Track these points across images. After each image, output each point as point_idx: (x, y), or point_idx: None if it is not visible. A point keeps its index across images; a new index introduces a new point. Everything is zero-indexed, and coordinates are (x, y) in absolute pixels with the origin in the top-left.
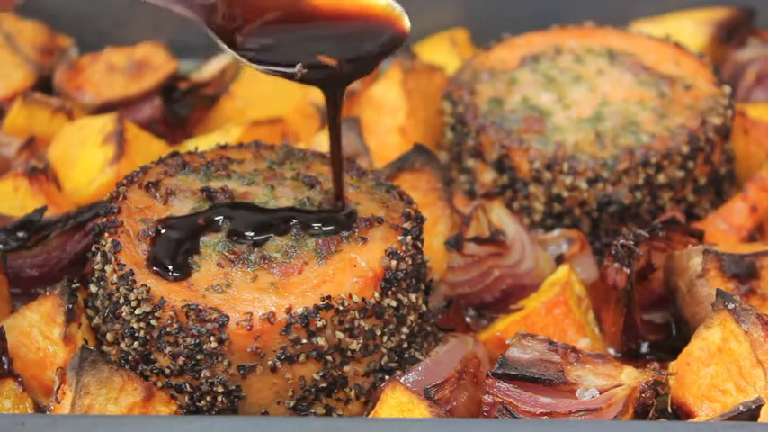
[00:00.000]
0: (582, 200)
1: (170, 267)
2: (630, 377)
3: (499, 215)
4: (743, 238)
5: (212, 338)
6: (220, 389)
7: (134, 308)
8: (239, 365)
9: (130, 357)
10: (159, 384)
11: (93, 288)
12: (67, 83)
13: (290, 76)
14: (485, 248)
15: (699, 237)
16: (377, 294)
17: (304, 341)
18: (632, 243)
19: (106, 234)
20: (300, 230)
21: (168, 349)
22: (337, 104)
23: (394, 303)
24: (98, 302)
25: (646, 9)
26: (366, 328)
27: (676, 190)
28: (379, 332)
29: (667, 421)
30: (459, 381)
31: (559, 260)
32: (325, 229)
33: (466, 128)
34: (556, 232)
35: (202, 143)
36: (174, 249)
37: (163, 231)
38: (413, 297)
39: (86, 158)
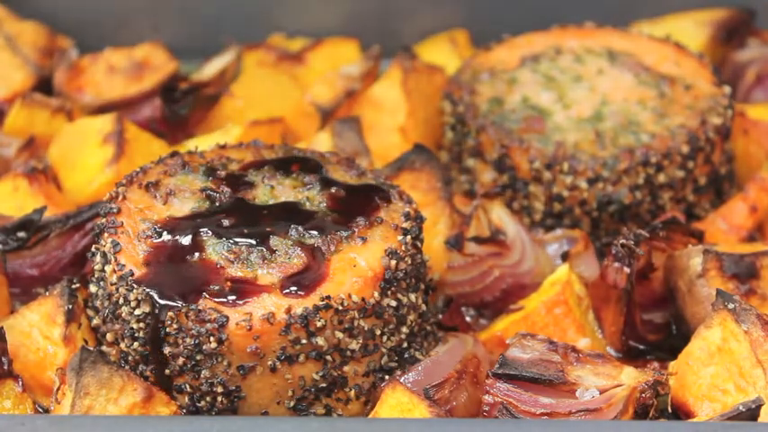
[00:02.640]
0: (582, 199)
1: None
2: (630, 377)
3: (499, 215)
4: (743, 238)
5: (212, 339)
6: (220, 389)
7: (134, 308)
8: (239, 366)
9: (130, 358)
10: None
11: (92, 288)
12: (68, 84)
13: None
14: (485, 248)
15: (699, 237)
16: (376, 294)
17: (304, 341)
18: (632, 243)
19: (106, 234)
20: (300, 230)
21: (168, 350)
22: None
23: (393, 303)
24: (98, 303)
25: (646, 9)
26: (366, 328)
27: (676, 190)
28: (378, 332)
29: (667, 421)
30: (458, 381)
31: (565, 257)
32: (323, 229)
33: (466, 127)
34: (558, 232)
35: (202, 143)
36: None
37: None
38: (412, 297)
39: (86, 158)
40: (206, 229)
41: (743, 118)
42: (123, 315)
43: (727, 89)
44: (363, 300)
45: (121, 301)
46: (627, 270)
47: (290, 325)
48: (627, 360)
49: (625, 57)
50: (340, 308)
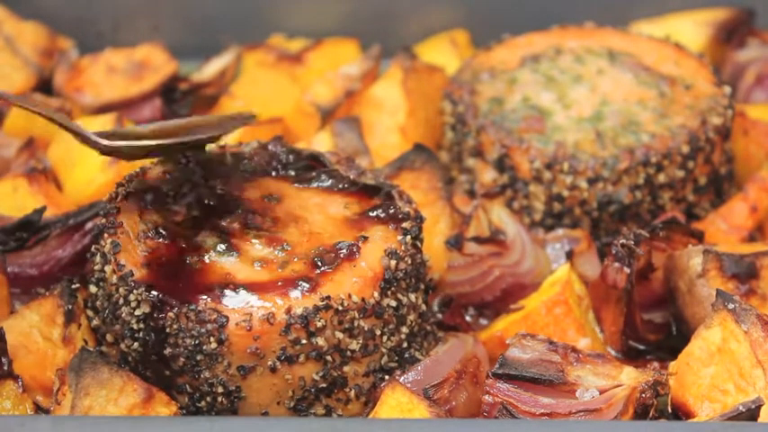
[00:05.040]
0: (582, 199)
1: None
2: (630, 377)
3: (499, 214)
4: (743, 238)
5: (212, 339)
6: (220, 389)
7: (134, 309)
8: (239, 366)
9: (130, 358)
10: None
11: (92, 289)
12: (67, 84)
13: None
14: (485, 248)
15: (699, 237)
16: (376, 294)
17: (304, 341)
18: (633, 243)
19: (106, 235)
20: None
21: (168, 350)
22: None
23: (393, 303)
24: (98, 303)
25: (646, 9)
26: (366, 329)
27: (676, 190)
28: (378, 332)
29: (667, 421)
30: (458, 381)
31: (569, 256)
32: None
33: (466, 127)
34: (559, 231)
35: None
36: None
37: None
38: (412, 297)
39: (86, 158)
40: (206, 230)
41: (743, 118)
42: (123, 315)
43: (727, 89)
44: (363, 300)
45: (121, 301)
46: (627, 270)
47: (290, 325)
48: (627, 360)
49: (625, 57)
50: (340, 308)
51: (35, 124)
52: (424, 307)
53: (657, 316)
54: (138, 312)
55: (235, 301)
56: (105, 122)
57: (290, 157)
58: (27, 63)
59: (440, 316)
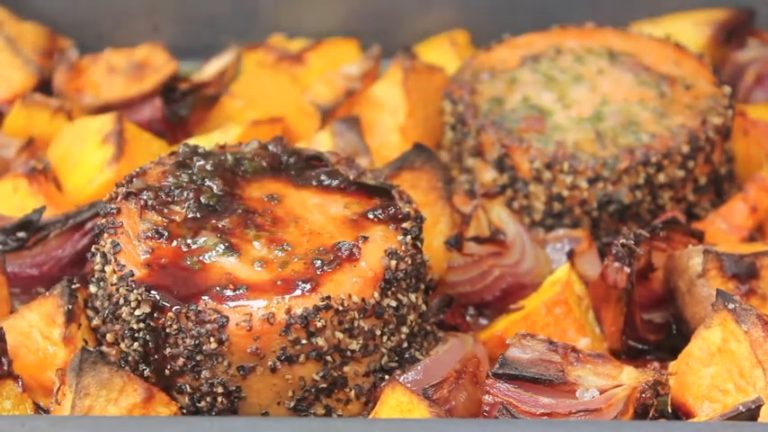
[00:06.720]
0: (582, 199)
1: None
2: (630, 377)
3: (499, 214)
4: (743, 238)
5: (212, 339)
6: (220, 389)
7: (134, 309)
8: (239, 366)
9: (130, 358)
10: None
11: (92, 289)
12: (67, 84)
13: None
14: (485, 248)
15: (699, 237)
16: (376, 294)
17: (304, 342)
18: (633, 243)
19: (106, 235)
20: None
21: (168, 350)
22: None
23: (394, 303)
24: (98, 303)
25: (646, 10)
26: (366, 329)
27: (676, 189)
28: (378, 332)
29: (667, 421)
30: (457, 380)
31: (570, 255)
32: None
33: (466, 127)
34: (560, 231)
35: (202, 143)
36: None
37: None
38: (413, 297)
39: (86, 158)
40: (206, 230)
41: (743, 118)
42: (123, 315)
43: (727, 89)
44: (363, 300)
45: (122, 301)
46: (627, 270)
47: (290, 325)
48: (627, 360)
49: (625, 57)
50: (340, 308)
51: (35, 124)
52: (424, 307)
53: (657, 316)
54: (138, 312)
55: (235, 301)
56: (105, 122)
57: (291, 157)
58: (27, 63)
59: (440, 316)
